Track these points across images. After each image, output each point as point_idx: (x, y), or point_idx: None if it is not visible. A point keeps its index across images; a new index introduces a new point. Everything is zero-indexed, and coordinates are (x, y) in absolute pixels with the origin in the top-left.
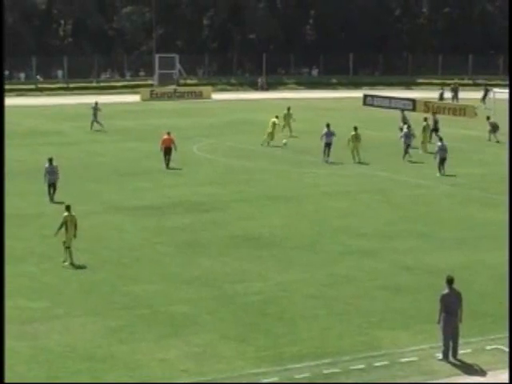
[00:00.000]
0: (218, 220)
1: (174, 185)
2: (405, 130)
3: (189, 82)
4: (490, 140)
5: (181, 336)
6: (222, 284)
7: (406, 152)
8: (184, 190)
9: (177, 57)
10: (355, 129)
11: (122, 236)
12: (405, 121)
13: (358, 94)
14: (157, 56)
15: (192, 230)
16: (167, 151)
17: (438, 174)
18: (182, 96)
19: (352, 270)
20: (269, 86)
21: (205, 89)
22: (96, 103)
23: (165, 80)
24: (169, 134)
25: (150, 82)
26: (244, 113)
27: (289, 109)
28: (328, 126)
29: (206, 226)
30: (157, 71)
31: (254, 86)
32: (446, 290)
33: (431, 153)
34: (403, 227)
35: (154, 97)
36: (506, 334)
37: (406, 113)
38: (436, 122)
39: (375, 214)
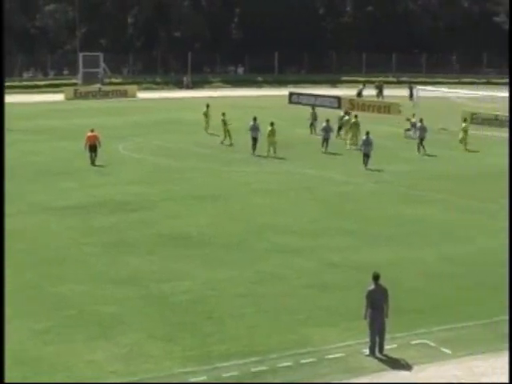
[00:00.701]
0: (145, 219)
1: (101, 184)
2: (324, 124)
3: (114, 80)
4: (406, 137)
5: (108, 337)
6: (149, 283)
7: (323, 144)
8: (110, 189)
9: (101, 55)
10: (271, 124)
11: (48, 236)
12: (315, 117)
13: (284, 92)
14: (81, 55)
15: (119, 229)
16: (92, 148)
17: (416, 153)
18: (106, 95)
19: (279, 268)
20: (194, 85)
21: (130, 88)
22: None
23: (89, 79)
24: (92, 130)
25: (74, 80)
26: (170, 112)
27: (207, 106)
28: (255, 119)
29: (132, 226)
30: (81, 70)
31: (180, 85)
32: (372, 286)
33: (359, 149)
34: (330, 224)
35: (78, 96)
36: (432, 328)
37: (316, 109)
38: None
39: (302, 211)
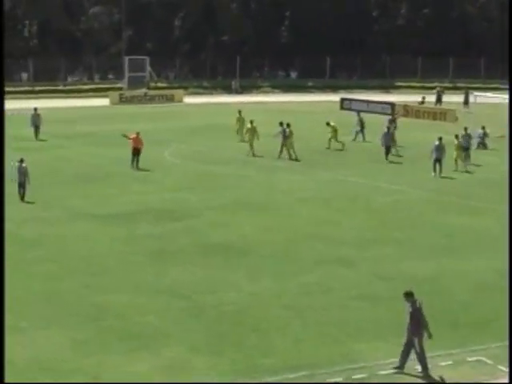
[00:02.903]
0: (189, 228)
1: (143, 191)
2: (384, 129)
3: (160, 85)
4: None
5: (151, 348)
6: (192, 294)
7: (387, 153)
8: (153, 196)
9: (147, 59)
10: (288, 125)
11: (89, 244)
12: (362, 123)
13: (335, 97)
14: (126, 58)
15: (162, 238)
16: (135, 151)
17: (432, 174)
18: (152, 100)
19: (326, 279)
20: (243, 90)
21: (176, 92)
22: (35, 109)
23: (135, 83)
24: (138, 134)
25: (119, 85)
26: (217, 117)
27: (240, 112)
28: (285, 124)
29: (176, 234)
30: (126, 74)
31: (228, 90)
32: (412, 305)
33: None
34: (379, 234)
35: (123, 100)
36: (488, 345)
37: (362, 115)
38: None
39: (350, 220)
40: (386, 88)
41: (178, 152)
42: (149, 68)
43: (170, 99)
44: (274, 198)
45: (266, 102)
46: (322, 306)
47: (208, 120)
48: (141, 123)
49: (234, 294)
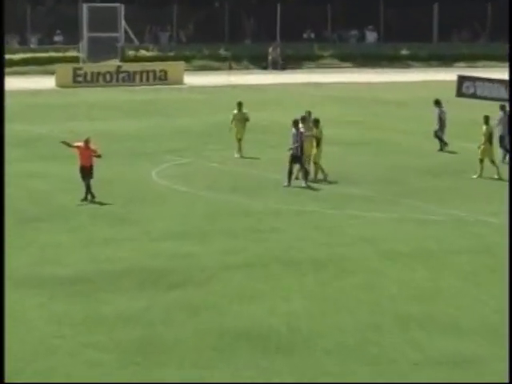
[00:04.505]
0: (193, 302)
1: (117, 239)
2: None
3: (144, 54)
4: None
5: None
6: None
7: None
8: (135, 247)
9: (121, 8)
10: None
11: (22, 330)
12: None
13: (449, 75)
14: (85, 7)
15: (149, 320)
16: (85, 172)
17: None
18: (130, 79)
19: None
20: (286, 62)
21: (172, 66)
22: None
23: (100, 51)
24: (87, 142)
25: (72, 53)
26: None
27: (310, 113)
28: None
29: (172, 313)
30: (85, 34)
31: (261, 62)
32: None
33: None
34: None
35: (79, 81)
36: None
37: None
38: None
39: (478, 293)
40: None
41: (175, 171)
42: (124, 23)
43: (162, 78)
44: (338, 252)
45: (326, 85)
46: None
47: (224, 115)
48: (111, 120)
49: None
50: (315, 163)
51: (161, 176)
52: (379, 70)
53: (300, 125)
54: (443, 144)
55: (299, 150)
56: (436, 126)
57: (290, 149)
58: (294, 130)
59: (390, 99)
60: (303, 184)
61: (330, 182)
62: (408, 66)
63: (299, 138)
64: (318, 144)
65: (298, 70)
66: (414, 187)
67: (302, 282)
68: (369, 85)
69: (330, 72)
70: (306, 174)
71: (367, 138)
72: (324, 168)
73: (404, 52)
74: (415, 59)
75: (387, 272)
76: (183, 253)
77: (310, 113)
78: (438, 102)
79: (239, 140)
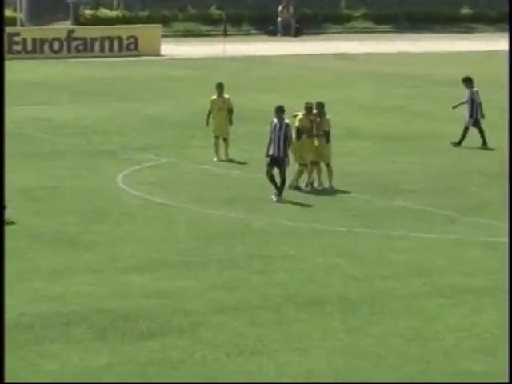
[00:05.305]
0: (174, 356)
1: (71, 270)
2: None
3: (105, 13)
4: None
5: None
6: None
7: None
8: (94, 281)
9: None
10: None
11: None
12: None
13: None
14: None
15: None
16: None
17: None
18: (87, 49)
19: None
20: (302, 25)
21: (145, 31)
22: None
23: (45, 9)
24: None
25: (7, 12)
26: (239, 92)
27: (323, 106)
28: (322, 105)
29: (145, 373)
30: None
31: (267, 25)
32: None
33: None
34: None
35: (17, 50)
36: None
37: None
38: None
39: None
40: None
41: (149, 176)
42: None
43: (131, 48)
44: (376, 288)
45: (357, 56)
46: None
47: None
48: (58, 105)
49: None
50: (327, 165)
51: (129, 182)
52: (428, 35)
53: (300, 114)
54: (482, 136)
55: (281, 149)
56: (467, 114)
57: (268, 155)
58: (275, 120)
59: (442, 76)
60: (274, 199)
61: (361, 192)
62: (470, 30)
63: (284, 133)
64: (328, 139)
65: (319, 37)
66: (478, 199)
67: (325, 329)
68: (414, 56)
69: (361, 39)
70: (283, 183)
71: (412, 129)
72: (320, 175)
73: (465, 11)
74: (480, 21)
75: (442, 315)
76: (160, 289)
77: (322, 105)
78: (468, 80)
79: (225, 139)
